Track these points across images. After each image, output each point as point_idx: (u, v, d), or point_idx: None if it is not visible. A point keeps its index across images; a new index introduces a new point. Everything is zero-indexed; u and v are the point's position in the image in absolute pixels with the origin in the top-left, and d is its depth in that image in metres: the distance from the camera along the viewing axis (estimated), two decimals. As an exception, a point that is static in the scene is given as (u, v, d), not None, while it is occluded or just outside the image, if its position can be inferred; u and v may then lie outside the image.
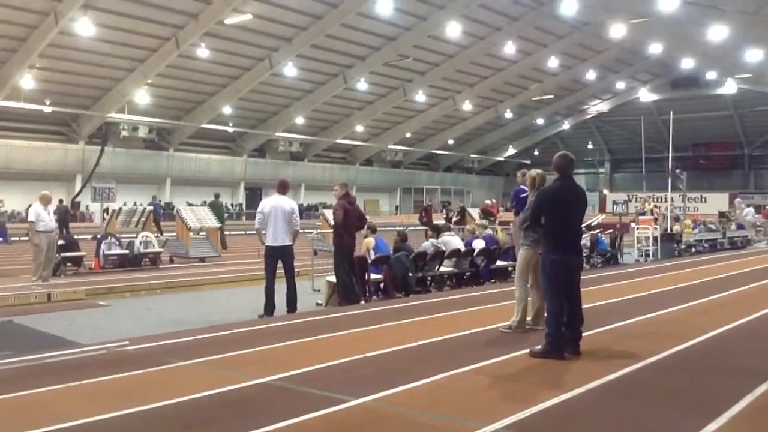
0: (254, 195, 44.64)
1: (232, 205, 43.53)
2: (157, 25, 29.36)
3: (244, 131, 42.36)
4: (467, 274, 12.01)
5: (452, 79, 42.35)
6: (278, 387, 4.77)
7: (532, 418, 4.05)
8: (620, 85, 49.69)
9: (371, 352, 5.82)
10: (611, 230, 18.12)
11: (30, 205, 12.68)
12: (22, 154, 33.86)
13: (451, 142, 54.20)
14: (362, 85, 39.41)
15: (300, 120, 41.89)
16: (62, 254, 13.10)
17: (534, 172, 6.91)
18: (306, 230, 12.60)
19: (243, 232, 26.31)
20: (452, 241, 11.98)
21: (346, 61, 37.09)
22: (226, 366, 5.49)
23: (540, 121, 55.88)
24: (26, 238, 18.41)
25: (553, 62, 40.88)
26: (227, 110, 37.90)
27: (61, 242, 13.09)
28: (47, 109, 32.42)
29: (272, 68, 34.46)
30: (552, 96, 49.00)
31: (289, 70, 35.03)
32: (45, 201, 11.93)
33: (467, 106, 46.30)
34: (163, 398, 4.41)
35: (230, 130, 41.12)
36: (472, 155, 58.74)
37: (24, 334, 7.72)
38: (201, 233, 17.38)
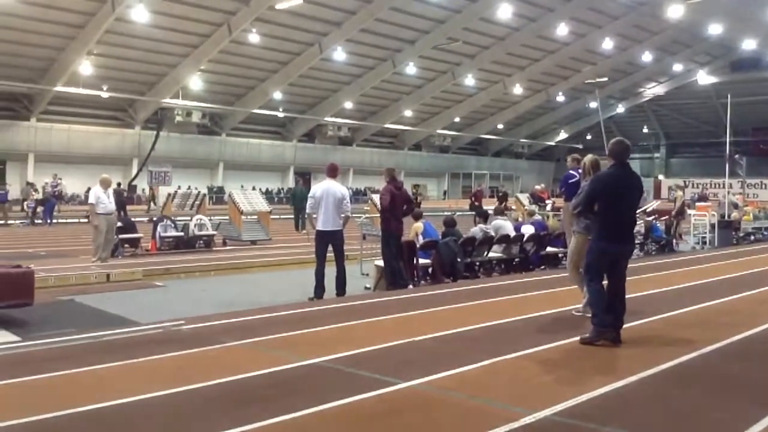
0: (304, 180, 45.03)
1: (281, 189, 44.14)
2: (210, 11, 29.82)
3: (293, 116, 42.75)
4: (516, 260, 11.90)
5: (502, 62, 41.72)
6: (327, 368, 4.84)
7: (583, 405, 4.00)
8: (677, 67, 48.04)
9: (419, 336, 5.84)
10: (666, 217, 17.65)
11: (90, 188, 13.13)
12: (81, 139, 34.98)
13: (500, 126, 53.50)
14: (411, 69, 39.21)
15: (349, 105, 42.02)
16: (120, 236, 13.54)
17: (588, 157, 6.78)
18: (355, 215, 12.68)
19: (292, 217, 26.60)
20: (504, 225, 11.82)
21: (394, 45, 36.95)
22: (276, 346, 5.60)
23: (593, 105, 54.49)
24: (85, 220, 19.14)
25: (607, 44, 39.79)
26: (277, 95, 38.30)
27: (119, 224, 13.52)
28: (105, 95, 33.37)
29: (321, 53, 34.63)
30: (606, 79, 47.73)
31: (338, 55, 35.13)
32: (105, 184, 12.33)
33: (517, 89, 45.56)
34: (217, 377, 4.53)
35: (280, 115, 41.57)
36: (521, 140, 57.92)
37: (85, 313, 8.03)
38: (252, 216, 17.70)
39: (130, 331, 6.24)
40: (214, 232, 15.93)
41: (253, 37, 31.40)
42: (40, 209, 24.30)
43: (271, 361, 5.02)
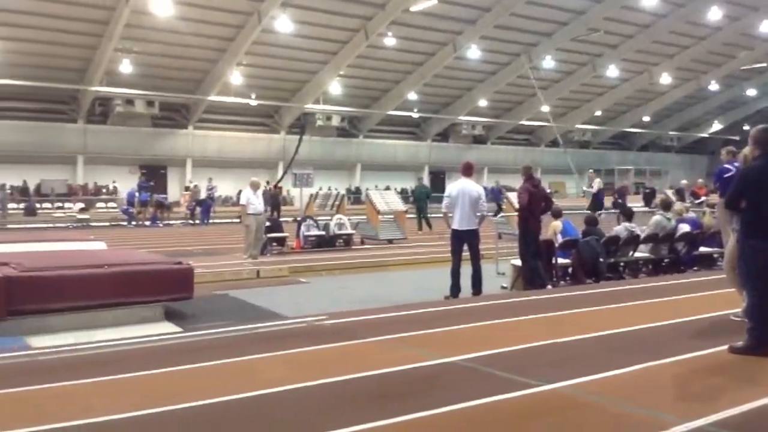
0: (438, 179, 45.31)
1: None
2: (348, 18, 30.81)
3: (428, 116, 43.05)
4: (666, 260, 11.20)
5: (648, 50, 39.39)
6: (464, 367, 4.85)
7: (737, 417, 3.70)
8: None
9: (559, 338, 5.68)
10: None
11: (241, 191, 14.06)
12: (232, 144, 37.47)
13: (646, 118, 50.53)
14: (548, 63, 38.09)
15: (483, 102, 41.62)
16: (268, 235, 14.38)
17: (747, 149, 6.24)
18: (490, 213, 12.57)
19: (429, 215, 26.79)
20: (664, 223, 11.05)
21: (530, 39, 36.10)
22: (413, 344, 5.69)
23: (751, 93, 50.04)
24: (237, 220, 20.49)
25: (765, 27, 36.27)
26: (412, 96, 38.75)
27: (267, 224, 14.36)
28: (253, 103, 35.52)
29: (456, 52, 34.59)
30: (765, 64, 43.57)
31: (473, 53, 34.89)
32: (254, 186, 13.18)
33: (665, 79, 42.76)
34: (357, 371, 4.69)
35: (415, 115, 42.04)
36: (670, 132, 54.28)
37: (238, 306, 8.62)
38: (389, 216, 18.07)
39: (278, 324, 6.62)
40: (353, 231, 16.44)
41: (389, 41, 32.02)
42: (197, 210, 26.36)
43: (408, 358, 5.11)
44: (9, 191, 29.68)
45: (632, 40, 37.76)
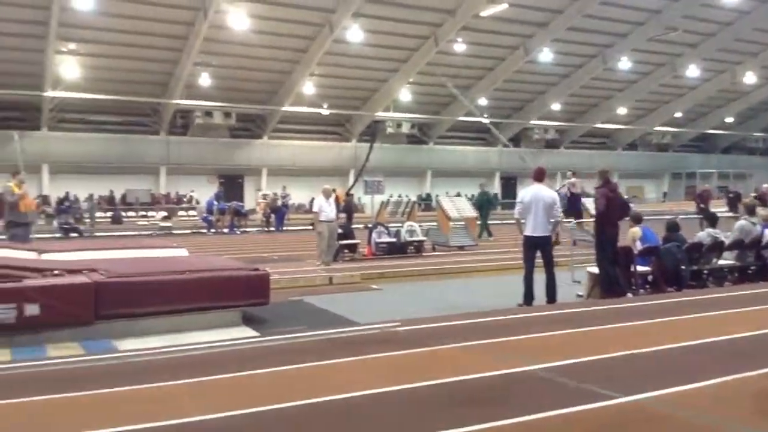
0: (509, 184, 44.73)
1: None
2: (418, 26, 30.96)
3: (498, 121, 42.54)
4: (752, 268, 10.66)
5: (730, 49, 37.70)
6: (539, 377, 4.77)
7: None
8: None
9: (639, 348, 5.51)
10: None
11: (313, 198, 14.34)
12: (305, 153, 38.25)
13: (729, 120, 48.30)
14: (624, 65, 37.02)
15: (556, 106, 40.83)
16: (341, 242, 14.58)
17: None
18: (564, 219, 12.32)
19: (499, 222, 26.55)
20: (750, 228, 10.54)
21: (605, 40, 35.21)
22: (487, 351, 5.65)
23: None
24: (310, 227, 20.87)
25: None
26: (482, 102, 38.47)
27: (340, 231, 14.58)
28: (325, 112, 36.17)
29: (527, 56, 34.14)
30: None
31: (545, 56, 34.34)
32: (326, 194, 13.42)
33: (749, 78, 40.77)
34: (431, 378, 4.69)
35: (485, 121, 41.65)
36: (755, 134, 51.64)
37: (312, 312, 8.79)
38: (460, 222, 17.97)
39: (352, 330, 6.71)
40: (424, 238, 16.46)
41: (459, 47, 31.95)
42: (272, 218, 27.02)
43: (481, 365, 5.08)
44: (97, 201, 31.35)
45: (713, 39, 36.25)
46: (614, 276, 9.09)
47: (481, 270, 13.07)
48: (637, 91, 41.15)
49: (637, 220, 10.31)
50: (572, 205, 17.06)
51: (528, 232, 8.87)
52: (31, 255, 9.51)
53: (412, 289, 10.94)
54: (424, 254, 15.85)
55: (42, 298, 6.77)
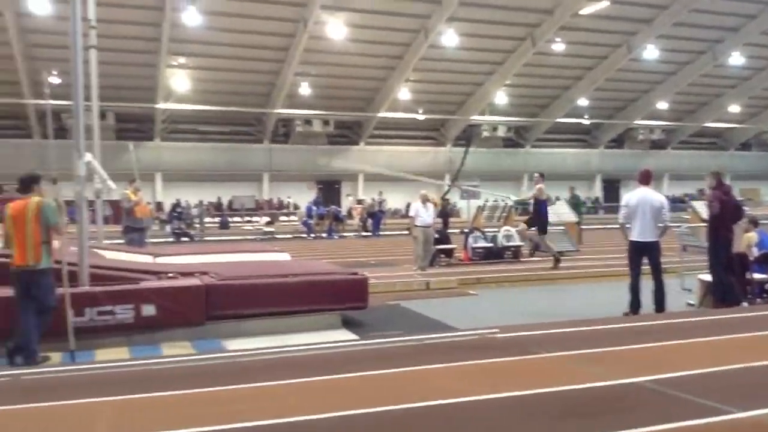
0: (611, 188, 43.10)
1: (587, 198, 42.76)
2: (513, 27, 30.53)
3: (600, 122, 41.21)
4: None
5: None
6: (649, 389, 4.58)
7: None
8: None
9: (756, 361, 5.17)
10: None
11: (409, 203, 14.43)
12: (401, 158, 38.48)
13: None
14: (735, 60, 34.88)
15: (662, 105, 39.00)
16: (437, 246, 14.58)
17: None
18: (672, 224, 11.74)
19: (601, 227, 25.65)
20: None
21: (714, 35, 33.33)
22: (591, 361, 5.48)
23: None
24: (406, 232, 20.99)
25: None
26: (582, 102, 37.36)
27: (436, 236, 14.58)
28: (420, 117, 36.34)
29: (630, 53, 32.88)
30: None
31: (649, 53, 32.95)
32: (423, 199, 13.48)
33: None
34: (532, 386, 4.62)
35: (586, 122, 40.44)
36: None
37: (409, 317, 8.85)
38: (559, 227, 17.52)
39: (450, 335, 6.70)
40: (522, 243, 16.16)
41: (557, 46, 31.23)
42: (369, 222, 27.43)
43: (586, 375, 4.94)
44: (206, 207, 33.04)
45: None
46: (728, 284, 8.57)
47: (583, 276, 12.67)
48: (751, 87, 38.66)
49: (754, 224, 9.69)
50: (537, 214, 14.23)
51: (634, 237, 8.52)
52: (147, 258, 10.16)
53: (510, 295, 10.78)
54: (521, 260, 15.57)
55: (158, 299, 7.22)
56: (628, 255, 8.70)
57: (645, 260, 8.57)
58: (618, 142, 43.52)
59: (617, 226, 9.25)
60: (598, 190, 44.14)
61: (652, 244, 8.48)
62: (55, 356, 6.46)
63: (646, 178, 8.82)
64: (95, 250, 9.72)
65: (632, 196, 8.69)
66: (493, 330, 6.70)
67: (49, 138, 7.55)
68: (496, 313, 8.81)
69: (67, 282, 6.49)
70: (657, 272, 8.52)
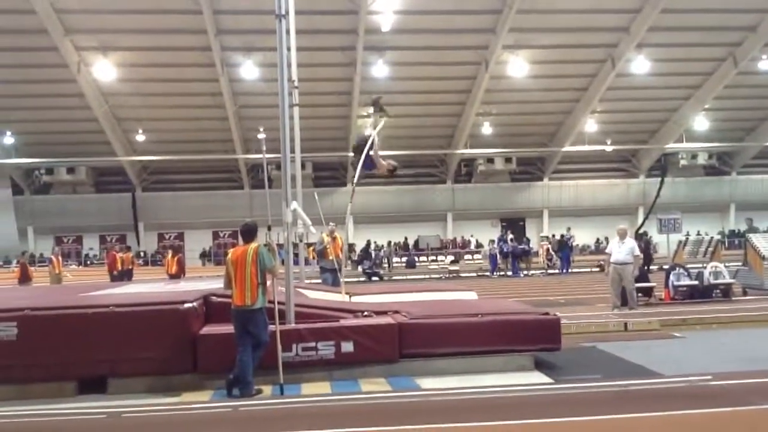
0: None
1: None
2: (711, 47, 28.44)
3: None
4: None
5: None
6: None
7: None
8: None
9: None
10: None
11: (598, 239, 13.80)
12: (588, 192, 37.10)
13: None
14: None
15: None
16: (635, 285, 13.71)
17: None
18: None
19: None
20: None
21: None
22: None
23: None
24: (596, 269, 20.04)
25: None
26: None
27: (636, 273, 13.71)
28: (608, 149, 34.79)
29: None
30: None
31: None
32: (621, 234, 12.86)
33: None
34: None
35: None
36: None
37: (606, 360, 8.38)
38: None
39: (653, 382, 6.28)
40: (732, 281, 14.69)
41: (763, 64, 28.45)
42: (554, 259, 26.60)
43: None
44: (393, 247, 34.30)
45: None
46: None
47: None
48: None
49: None
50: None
51: None
52: (343, 297, 10.75)
53: (721, 338, 9.78)
54: (732, 299, 14.12)
55: (355, 336, 7.60)
56: None
57: None
58: None
59: None
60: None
61: None
62: (266, 389, 7.03)
63: None
64: (298, 289, 10.49)
65: None
66: (706, 377, 6.16)
67: (264, 188, 8.28)
68: (707, 359, 8.06)
69: (278, 320, 7.10)
70: None
